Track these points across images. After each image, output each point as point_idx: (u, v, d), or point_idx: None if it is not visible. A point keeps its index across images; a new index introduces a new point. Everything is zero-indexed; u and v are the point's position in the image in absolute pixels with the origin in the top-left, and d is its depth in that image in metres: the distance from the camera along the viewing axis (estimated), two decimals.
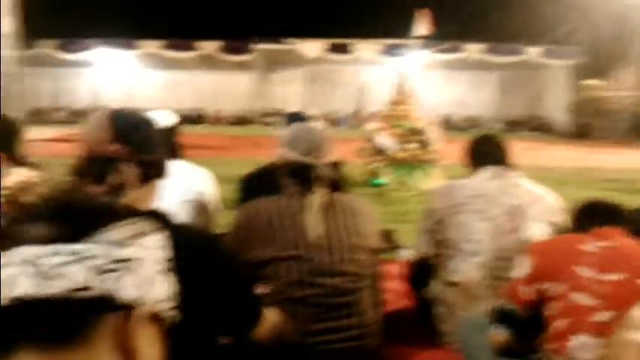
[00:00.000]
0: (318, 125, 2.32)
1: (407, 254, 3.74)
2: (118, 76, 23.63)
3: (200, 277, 1.34)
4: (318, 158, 2.13)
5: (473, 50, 21.61)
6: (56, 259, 0.62)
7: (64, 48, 22.17)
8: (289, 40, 22.08)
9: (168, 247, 0.76)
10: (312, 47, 21.88)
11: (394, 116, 7.97)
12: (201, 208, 2.91)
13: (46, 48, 21.74)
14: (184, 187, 2.83)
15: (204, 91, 24.37)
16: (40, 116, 22.05)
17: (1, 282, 0.61)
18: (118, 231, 0.67)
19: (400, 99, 8.11)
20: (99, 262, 0.64)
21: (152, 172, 1.47)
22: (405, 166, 7.54)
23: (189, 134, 7.10)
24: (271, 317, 1.68)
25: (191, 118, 22.58)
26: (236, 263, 1.69)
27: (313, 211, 2.10)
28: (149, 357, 0.69)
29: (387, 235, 4.06)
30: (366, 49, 21.75)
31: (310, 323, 2.10)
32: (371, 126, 8.30)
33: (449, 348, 2.46)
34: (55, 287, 0.61)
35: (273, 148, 2.46)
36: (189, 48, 22.25)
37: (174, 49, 22.22)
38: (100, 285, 0.64)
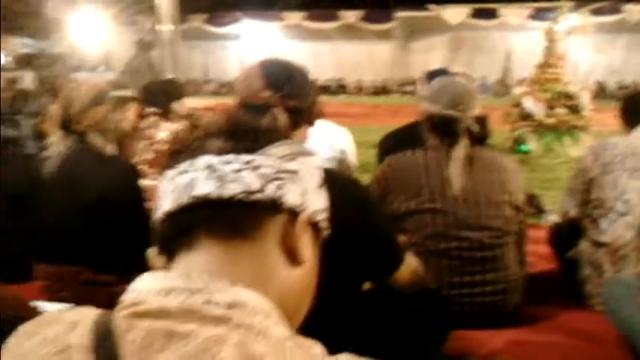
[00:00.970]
0: (463, 79, 2.30)
1: (552, 218, 3.63)
2: (263, 48, 24.38)
3: (345, 217, 1.41)
4: (462, 111, 2.12)
5: (633, 11, 19.89)
6: (233, 166, 0.72)
7: (213, 22, 23.20)
8: (432, 6, 21.61)
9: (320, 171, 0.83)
10: (455, 13, 21.27)
11: (542, 80, 7.61)
12: (343, 165, 3.00)
13: (197, 22, 22.86)
14: (328, 144, 2.93)
15: (345, 61, 24.54)
16: (191, 88, 23.37)
17: (187, 183, 0.72)
18: (283, 148, 0.76)
19: (549, 62, 7.71)
20: (268, 171, 0.73)
21: (302, 118, 1.55)
22: (553, 131, 7.20)
23: (331, 103, 7.24)
24: (412, 264, 1.72)
25: (332, 88, 22.91)
26: (379, 208, 1.75)
27: (456, 165, 2.10)
28: (307, 258, 0.77)
29: (532, 200, 3.95)
30: (513, 13, 20.79)
31: (451, 276, 2.12)
32: (518, 90, 7.99)
33: (595, 310, 2.38)
34: (231, 189, 0.71)
35: (411, 116, 2.48)
36: (331, 18, 22.48)
37: (316, 20, 22.55)
38: (269, 190, 0.72)
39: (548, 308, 2.47)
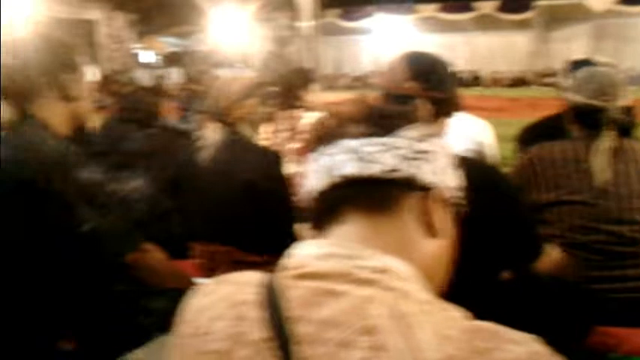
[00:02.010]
0: (609, 69, 2.22)
1: None
2: (395, 42, 24.29)
3: (484, 201, 1.45)
4: (608, 101, 2.06)
5: None
6: (372, 148, 0.81)
7: (346, 17, 23.44)
8: None
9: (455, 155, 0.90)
10: (600, 0, 20.05)
11: None
12: (482, 157, 2.99)
13: (330, 17, 23.19)
14: (466, 137, 2.93)
15: (480, 53, 23.90)
16: (326, 82, 23.77)
17: (332, 165, 0.82)
18: (414, 131, 0.84)
19: None
20: (403, 151, 0.81)
21: (443, 109, 1.61)
22: None
23: (465, 96, 7.13)
24: (553, 255, 1.72)
25: (466, 81, 22.41)
26: (520, 196, 1.76)
27: (600, 156, 2.05)
28: (444, 231, 0.84)
29: None
30: None
31: (590, 270, 2.07)
32: None
33: None
34: (371, 169, 0.80)
35: (551, 109, 2.42)
36: (466, 9, 21.97)
37: (450, 11, 22.13)
38: (405, 169, 0.81)
39: None
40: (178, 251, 2.44)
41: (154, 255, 1.75)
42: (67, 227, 1.55)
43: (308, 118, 3.09)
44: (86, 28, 15.22)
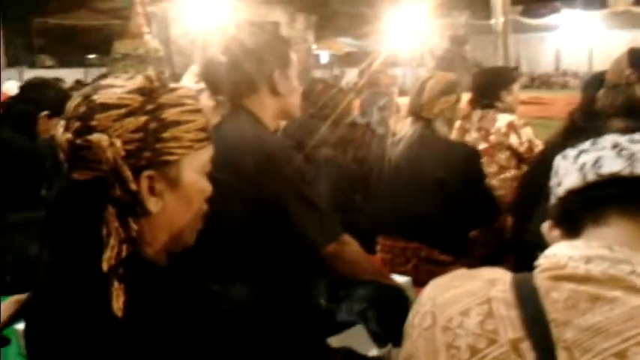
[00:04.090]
0: None
1: None
2: (581, 38, 22.80)
3: None
4: None
5: None
6: None
7: (529, 13, 22.39)
8: None
9: None
10: None
11: None
12: None
13: (512, 14, 22.28)
14: None
15: None
16: None
17: (593, 162, 0.74)
18: None
19: None
20: None
21: None
22: None
23: None
24: None
25: None
26: None
27: None
28: None
29: None
30: None
31: None
32: None
33: None
34: None
35: None
36: None
37: None
38: None
39: None
40: (364, 245, 2.47)
41: (353, 247, 1.76)
42: (278, 216, 1.62)
43: (502, 120, 2.96)
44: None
